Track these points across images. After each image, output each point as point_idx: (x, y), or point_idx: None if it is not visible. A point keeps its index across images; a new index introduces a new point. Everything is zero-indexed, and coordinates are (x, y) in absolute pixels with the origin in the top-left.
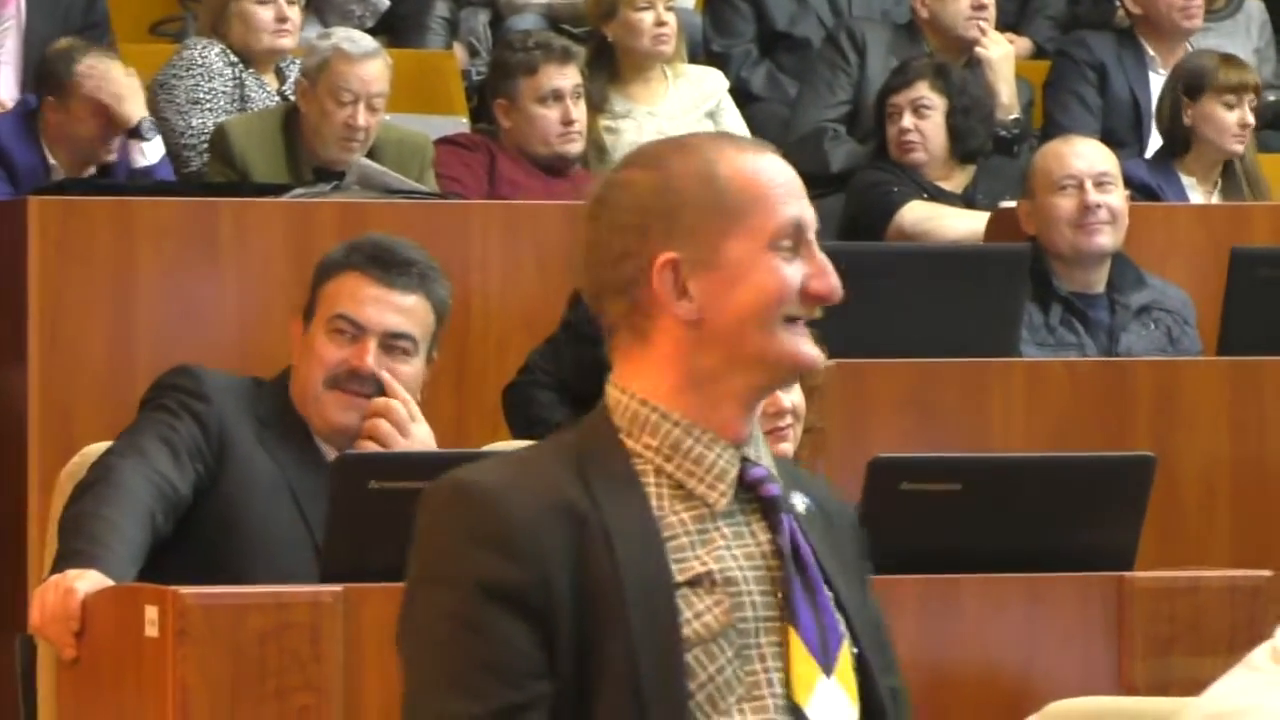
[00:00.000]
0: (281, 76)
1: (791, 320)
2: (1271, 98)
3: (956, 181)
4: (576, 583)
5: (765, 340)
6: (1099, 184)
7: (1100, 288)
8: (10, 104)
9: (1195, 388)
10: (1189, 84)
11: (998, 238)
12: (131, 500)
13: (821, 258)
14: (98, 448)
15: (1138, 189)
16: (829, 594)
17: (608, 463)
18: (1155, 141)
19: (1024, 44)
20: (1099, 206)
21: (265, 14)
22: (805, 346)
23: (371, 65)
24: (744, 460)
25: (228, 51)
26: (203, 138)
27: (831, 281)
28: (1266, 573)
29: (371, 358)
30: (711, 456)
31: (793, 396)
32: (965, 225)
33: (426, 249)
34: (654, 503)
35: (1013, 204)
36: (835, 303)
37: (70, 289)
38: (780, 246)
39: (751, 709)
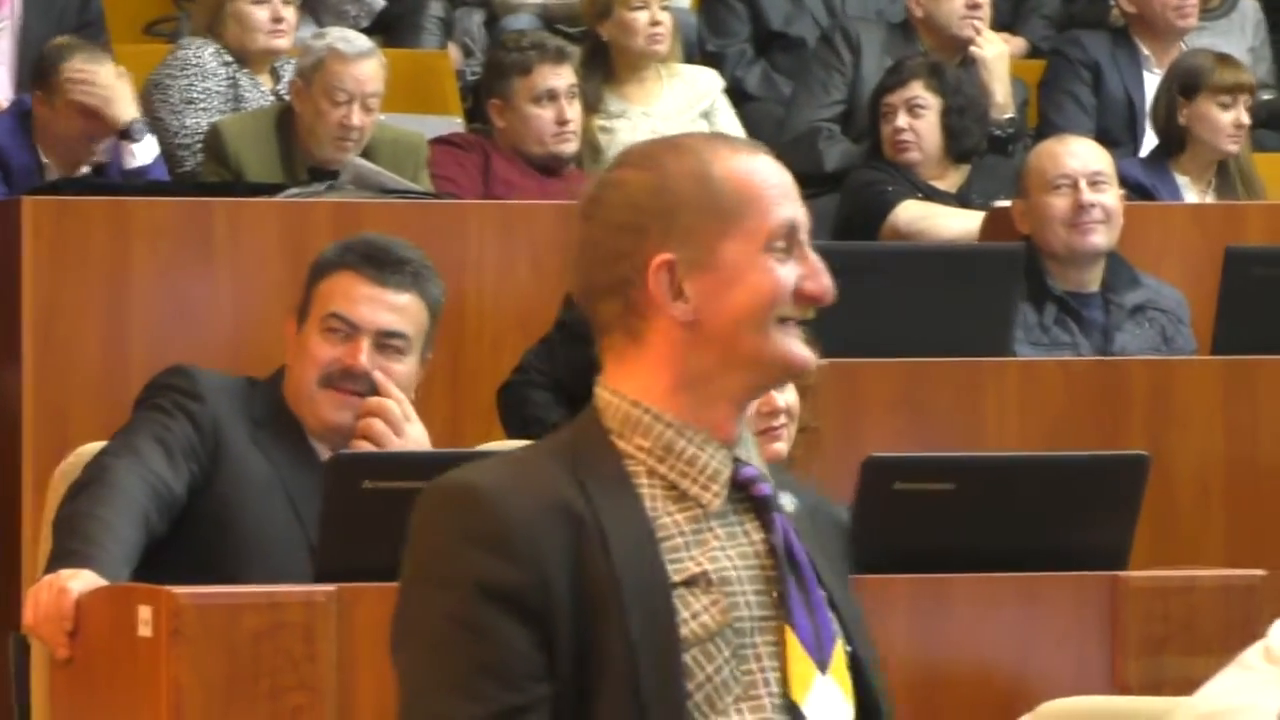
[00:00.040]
0: (276, 76)
1: (785, 321)
2: (1266, 97)
3: (951, 181)
4: (575, 584)
5: (760, 341)
6: (1093, 183)
7: (1095, 287)
8: (5, 104)
9: (1189, 387)
10: (1184, 84)
11: (992, 237)
12: (126, 500)
13: (815, 259)
14: (92, 447)
15: (1132, 188)
16: (821, 593)
17: (600, 464)
18: (1150, 141)
19: (1019, 43)
20: (1093, 206)
21: (260, 14)
22: (798, 347)
23: (366, 65)
24: (735, 460)
25: (222, 51)
26: (197, 137)
27: (825, 282)
28: (1260, 572)
29: (365, 356)
30: (705, 457)
31: (787, 396)
32: (960, 225)
33: (421, 249)
34: (648, 504)
35: (1007, 203)
36: (828, 304)
37: (64, 289)
38: (775, 248)
39: (749, 708)
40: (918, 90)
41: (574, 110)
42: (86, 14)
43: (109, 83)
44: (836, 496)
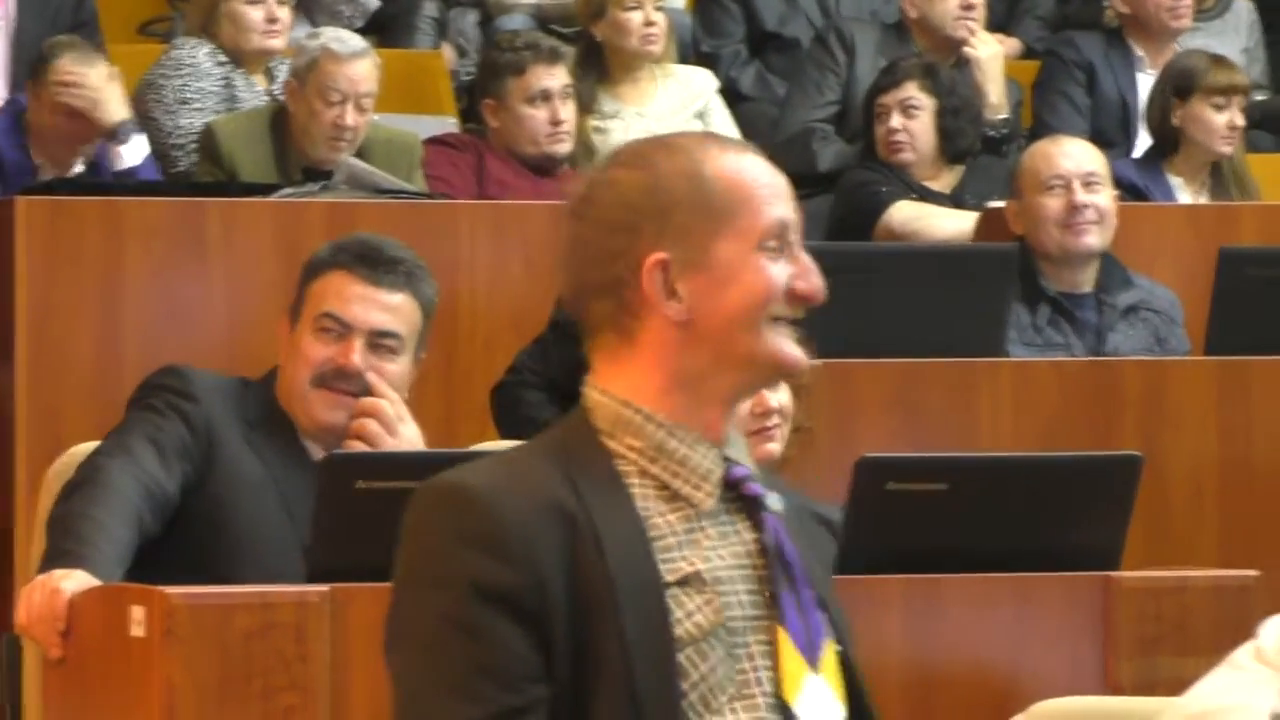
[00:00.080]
0: (270, 76)
1: (777, 320)
2: (1260, 98)
3: (945, 181)
4: (570, 585)
5: (753, 341)
6: (1087, 184)
7: (1088, 288)
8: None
9: (1183, 387)
10: (1178, 85)
11: (986, 238)
12: (119, 500)
13: (806, 258)
14: (85, 447)
15: (1125, 189)
16: (811, 592)
17: (591, 464)
18: (1143, 141)
19: (1013, 44)
20: (1086, 206)
21: (255, 14)
22: (790, 347)
23: (360, 65)
24: (726, 460)
25: (217, 51)
26: (191, 137)
27: (816, 281)
28: (1253, 573)
29: (358, 356)
30: (696, 457)
31: (779, 396)
32: (953, 225)
33: (414, 249)
34: (640, 504)
35: (1001, 204)
36: (820, 303)
37: (58, 289)
38: (767, 247)
39: (743, 707)
40: (912, 91)
41: (568, 111)
42: (81, 14)
43: (97, 85)
44: (830, 497)
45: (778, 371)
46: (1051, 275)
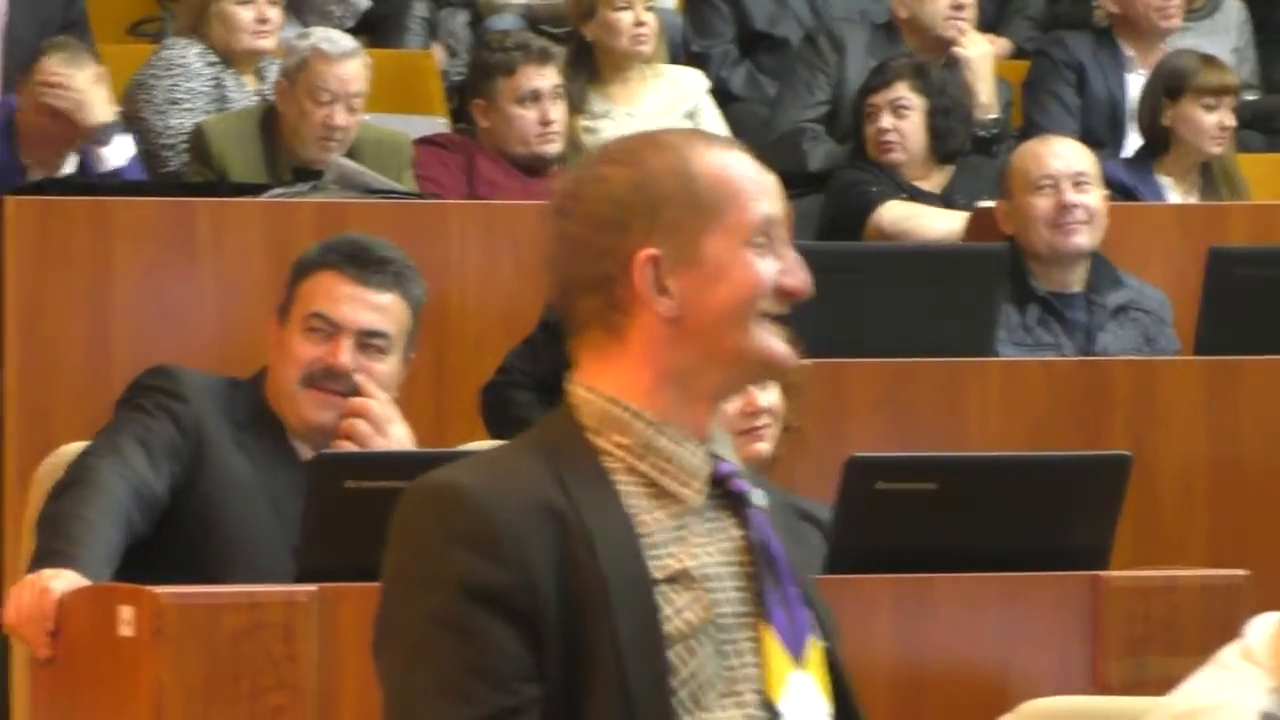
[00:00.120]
0: (261, 77)
1: (764, 317)
2: (1250, 98)
3: (935, 181)
4: (561, 584)
5: (742, 337)
6: (1076, 184)
7: (1078, 287)
8: None
9: (1172, 387)
10: (1169, 85)
11: (976, 237)
12: (109, 500)
13: (792, 254)
14: (75, 447)
15: (1115, 189)
16: (796, 589)
17: (578, 462)
18: (1133, 141)
19: (1003, 44)
20: (1076, 206)
21: (245, 14)
22: (778, 344)
23: (350, 65)
24: (712, 456)
25: (207, 52)
26: (181, 138)
27: (804, 277)
28: (1242, 572)
29: (346, 355)
30: (685, 454)
31: (769, 396)
32: (944, 225)
33: (405, 249)
34: (627, 501)
35: (991, 204)
36: (806, 298)
37: (47, 289)
38: (755, 243)
39: (732, 704)
40: (902, 91)
41: (558, 111)
42: (71, 14)
43: (81, 87)
44: (819, 496)
45: (766, 368)
46: (1041, 275)
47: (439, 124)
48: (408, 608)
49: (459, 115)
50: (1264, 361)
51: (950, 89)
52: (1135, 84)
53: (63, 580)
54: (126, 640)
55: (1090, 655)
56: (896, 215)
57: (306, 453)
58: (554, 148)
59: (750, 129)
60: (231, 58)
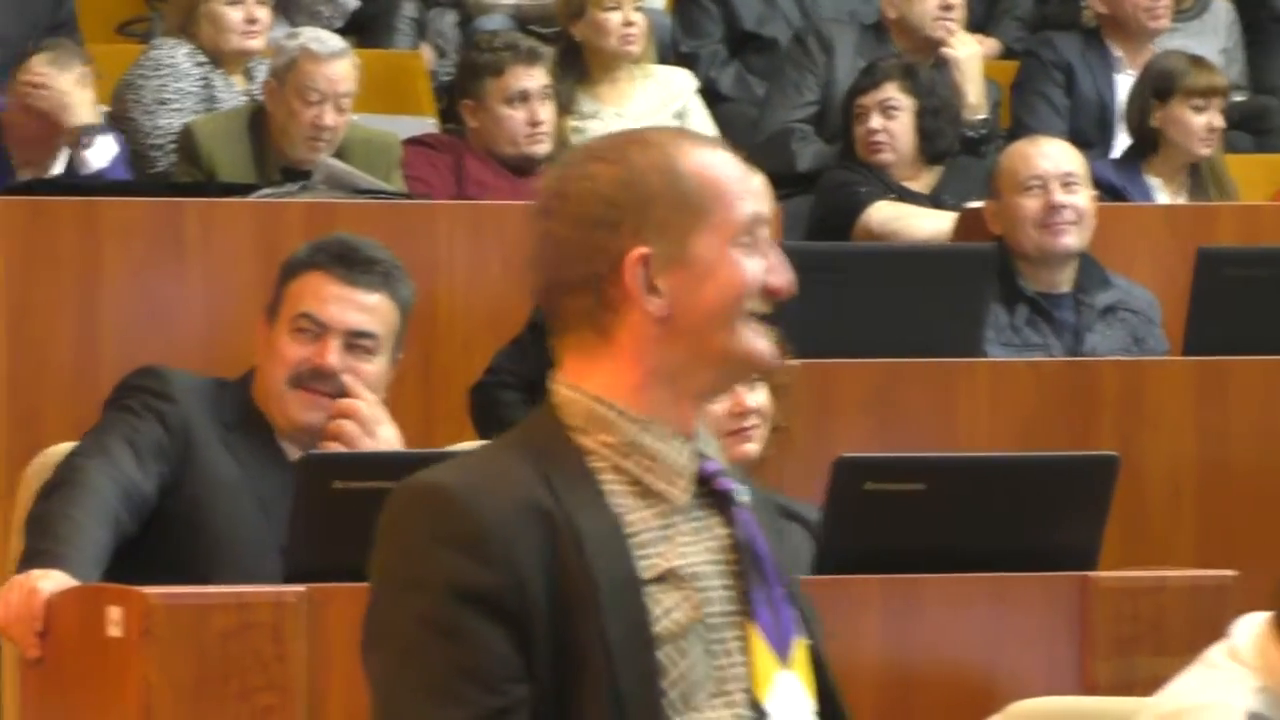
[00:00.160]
0: (249, 76)
1: (750, 316)
2: (1239, 98)
3: (924, 182)
4: (551, 584)
5: (729, 337)
6: (1065, 184)
7: (1066, 288)
8: None
9: (1161, 388)
10: (1158, 86)
11: (965, 238)
12: (97, 501)
13: (776, 252)
14: (63, 448)
15: (1104, 190)
16: (781, 588)
17: (563, 462)
18: (1121, 142)
19: (992, 44)
20: (1064, 207)
21: (234, 15)
22: (762, 343)
23: (339, 65)
24: (698, 455)
25: (196, 52)
26: (170, 138)
27: (789, 275)
28: (1230, 573)
29: (334, 355)
30: (671, 453)
31: (757, 397)
32: (932, 225)
33: (393, 249)
34: (614, 500)
35: (980, 204)
36: (791, 297)
37: (36, 289)
38: (742, 242)
39: (722, 703)
40: (891, 92)
41: (546, 111)
42: (59, 14)
43: (63, 88)
44: (808, 496)
45: (751, 368)
46: (1029, 275)
47: (427, 124)
48: (396, 609)
49: (447, 115)
50: (1252, 362)
51: (939, 89)
52: (1124, 84)
53: (51, 580)
54: (115, 640)
55: (1078, 655)
56: (885, 216)
57: (294, 453)
58: (543, 148)
59: (739, 129)
60: (220, 58)
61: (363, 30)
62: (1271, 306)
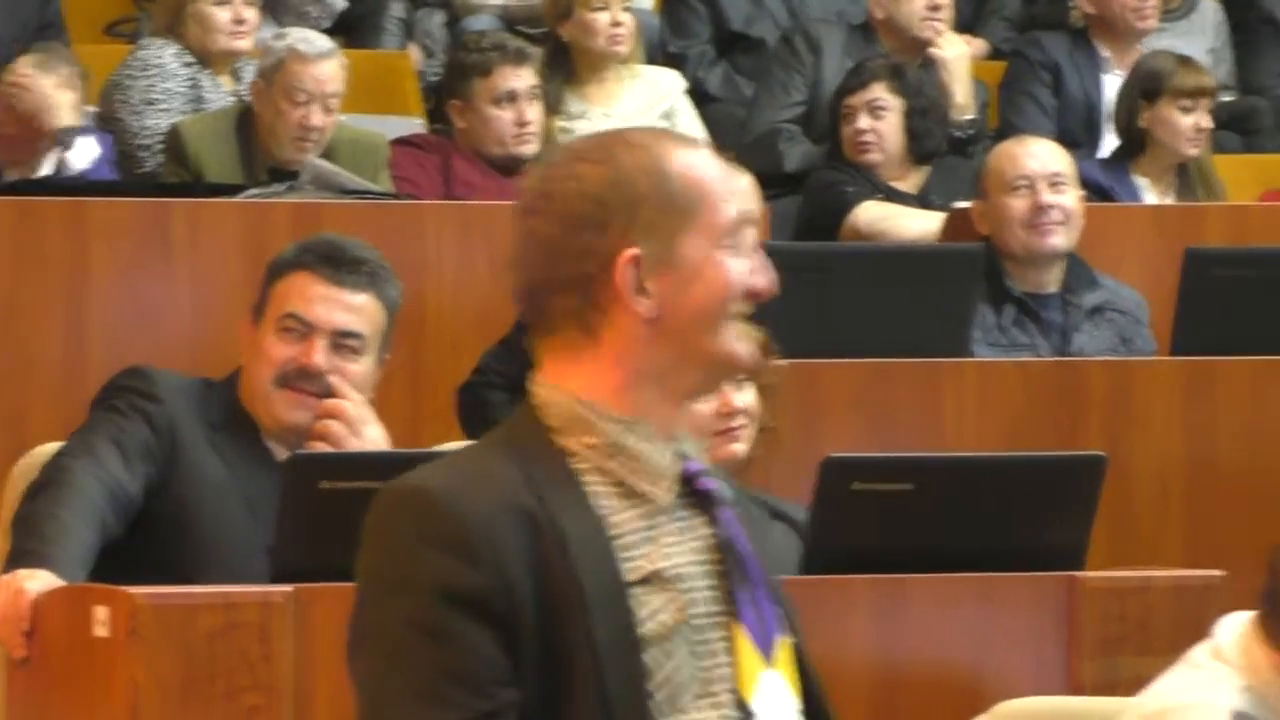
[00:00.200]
0: (237, 77)
1: (734, 317)
2: (1227, 99)
3: (911, 182)
4: (537, 587)
5: (714, 338)
6: (1052, 184)
7: (1053, 288)
8: None
9: (1148, 388)
10: (1146, 87)
11: (953, 238)
12: (83, 501)
13: (758, 253)
14: (50, 448)
15: (1091, 190)
16: (765, 587)
17: (546, 463)
18: (1109, 142)
19: (980, 45)
20: (1052, 207)
21: (222, 15)
22: (743, 345)
23: (326, 65)
24: (681, 455)
25: (183, 52)
26: (158, 138)
27: (772, 276)
28: (1217, 573)
29: (320, 355)
30: (654, 454)
31: (745, 397)
32: (920, 225)
33: (381, 249)
34: (597, 502)
35: (967, 204)
36: (772, 298)
37: (23, 289)
38: (727, 244)
39: (708, 704)
40: (879, 92)
41: (534, 111)
42: (46, 14)
43: (45, 91)
44: (795, 496)
45: (734, 369)
46: (1017, 275)
47: (415, 124)
48: (383, 612)
49: (435, 116)
50: (1240, 362)
51: (927, 90)
52: (1111, 84)
53: (38, 581)
54: (101, 640)
55: (1065, 655)
56: (873, 216)
57: (281, 453)
58: (530, 148)
59: (727, 130)
60: (208, 58)
61: (350, 30)
62: (1259, 307)
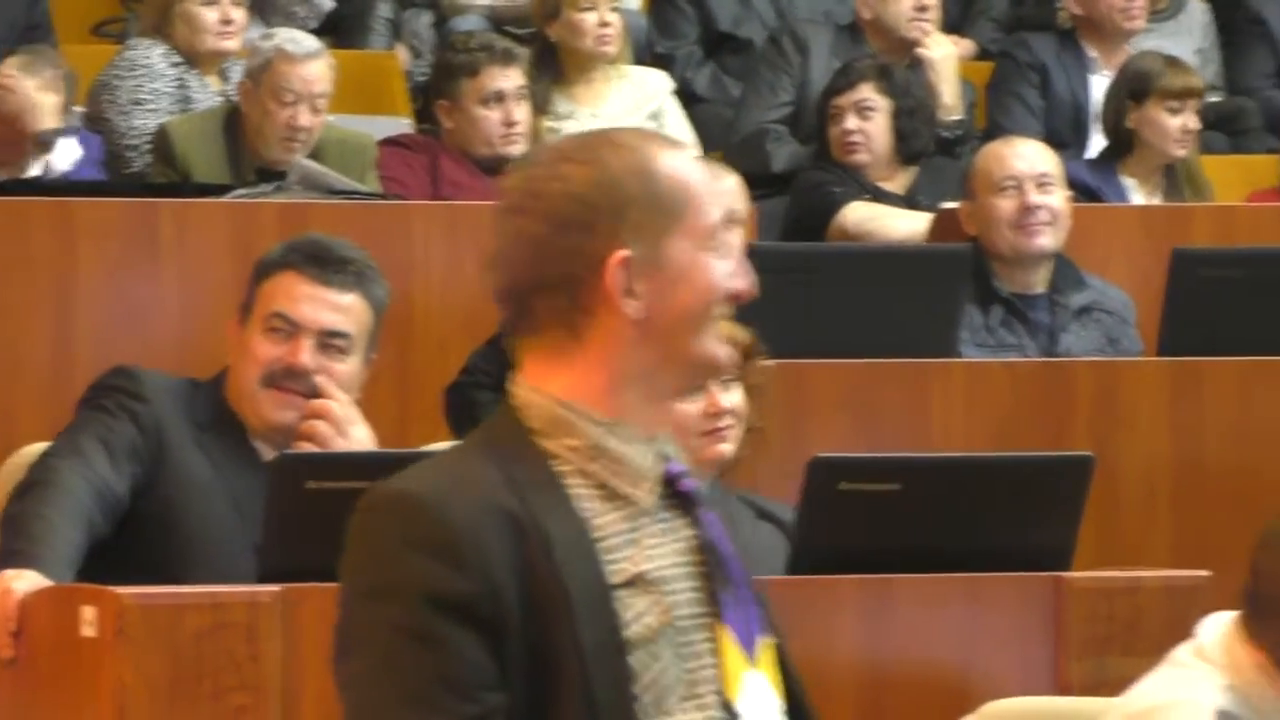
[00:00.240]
0: (224, 77)
1: (715, 319)
2: (1214, 99)
3: (899, 182)
4: (523, 590)
5: (697, 340)
6: (1039, 185)
7: (1041, 288)
8: None
9: (1135, 388)
10: (1133, 88)
11: (940, 238)
12: (70, 501)
13: (739, 255)
14: (37, 448)
15: (1078, 190)
16: (746, 587)
17: (528, 466)
18: (1096, 143)
19: (967, 45)
20: (1039, 208)
21: (209, 15)
22: (721, 347)
23: (314, 66)
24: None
25: (171, 52)
26: (145, 138)
27: (751, 279)
28: (1204, 573)
29: (307, 355)
30: (636, 455)
31: (732, 397)
32: (907, 226)
33: (368, 249)
34: (580, 504)
35: (954, 205)
36: (750, 300)
37: (10, 290)
38: (711, 246)
39: (694, 706)
40: (867, 92)
41: (522, 112)
42: (34, 15)
43: (28, 93)
44: (782, 497)
45: (714, 371)
46: (1004, 276)
47: (403, 125)
48: (369, 617)
49: (423, 116)
50: (1226, 363)
51: (914, 90)
52: (1099, 85)
53: (25, 581)
54: (89, 640)
55: (1052, 656)
56: (860, 216)
57: (267, 453)
58: (518, 149)
59: (714, 130)
60: (195, 58)
61: (338, 31)
62: (1246, 307)
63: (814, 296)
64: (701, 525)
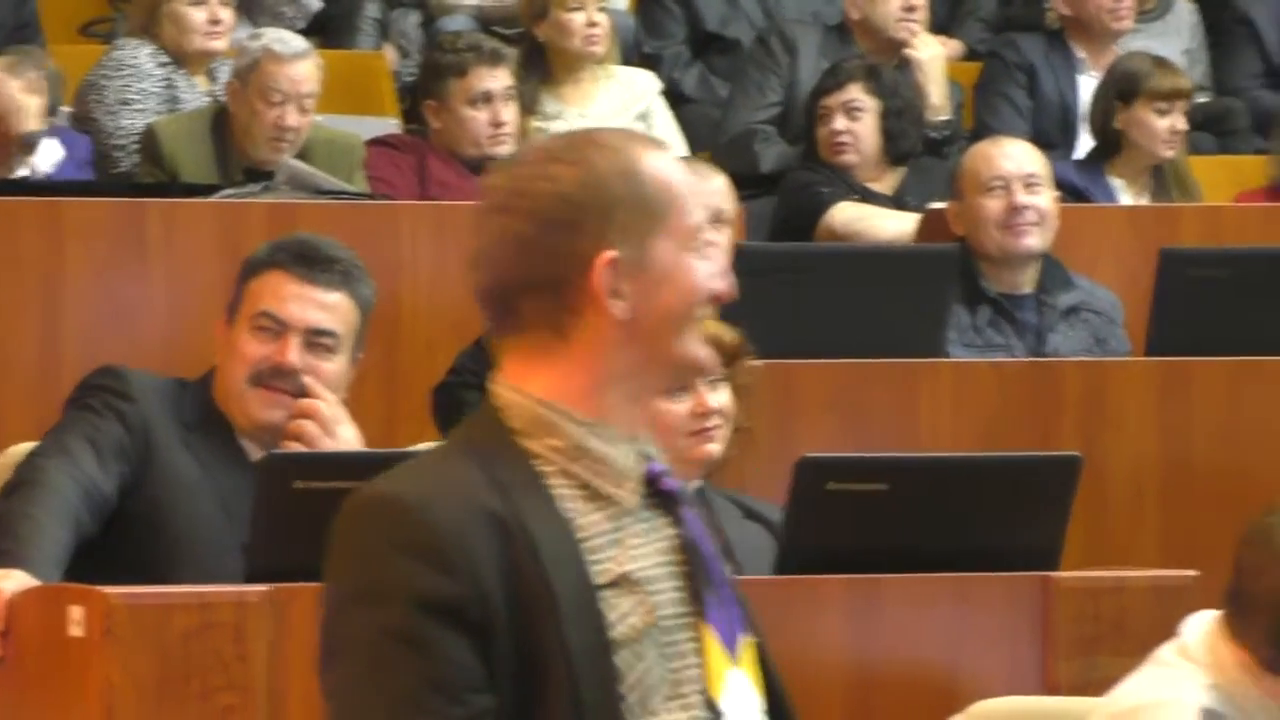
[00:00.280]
0: (212, 77)
1: (699, 320)
2: (1202, 100)
3: (887, 183)
4: (510, 592)
5: (680, 341)
6: (1027, 185)
7: (1028, 289)
8: None
9: (1123, 388)
10: (1121, 88)
11: (928, 239)
12: (58, 501)
13: (719, 256)
14: (24, 447)
15: (1066, 191)
16: (727, 587)
17: (511, 466)
18: (1084, 143)
19: (955, 46)
20: (1027, 208)
21: (197, 15)
22: (702, 347)
23: (302, 66)
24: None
25: (158, 52)
26: (133, 138)
27: (731, 279)
28: (1191, 573)
29: (294, 354)
30: (618, 455)
31: (720, 397)
32: (895, 226)
33: (356, 249)
34: (563, 505)
35: (943, 205)
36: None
37: None
38: (693, 247)
39: (678, 705)
40: (855, 93)
41: (509, 112)
42: (22, 14)
43: (11, 94)
44: (770, 497)
45: (696, 372)
46: (992, 276)
47: (390, 125)
48: (357, 621)
49: (410, 116)
50: (1214, 363)
51: (902, 90)
52: (1087, 85)
53: (12, 581)
54: (76, 640)
55: (1040, 655)
56: (848, 216)
57: (255, 453)
58: (506, 149)
59: (702, 130)
60: (183, 58)
61: (325, 31)
62: (1234, 307)
63: (802, 297)
64: (683, 524)
